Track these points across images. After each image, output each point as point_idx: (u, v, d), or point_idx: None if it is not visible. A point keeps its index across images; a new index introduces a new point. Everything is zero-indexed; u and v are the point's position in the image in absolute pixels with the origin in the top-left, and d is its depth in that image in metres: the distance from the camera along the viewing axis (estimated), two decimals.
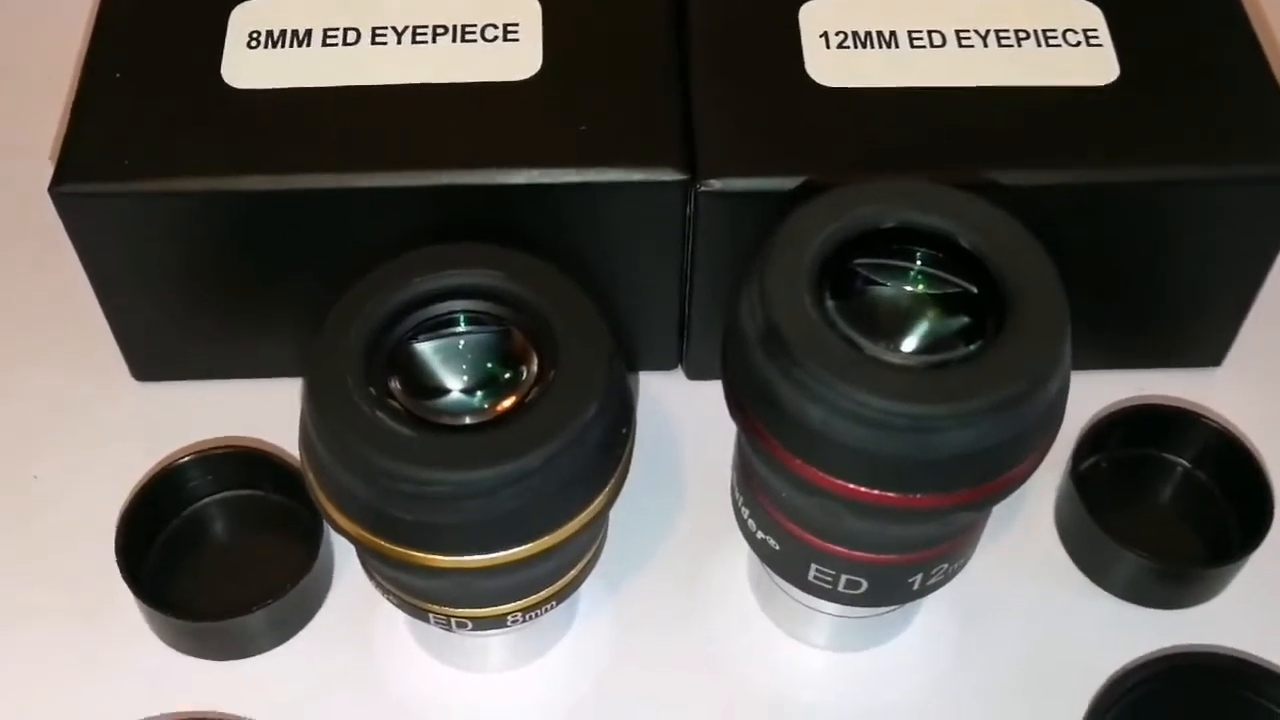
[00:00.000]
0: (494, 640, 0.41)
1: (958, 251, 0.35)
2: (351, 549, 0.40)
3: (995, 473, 0.34)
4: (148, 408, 0.48)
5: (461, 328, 0.36)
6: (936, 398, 0.32)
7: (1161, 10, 0.46)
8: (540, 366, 0.35)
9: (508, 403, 0.35)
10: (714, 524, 0.44)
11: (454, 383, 0.36)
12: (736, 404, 0.35)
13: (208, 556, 0.44)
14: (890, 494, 0.33)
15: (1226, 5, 0.47)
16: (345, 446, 0.33)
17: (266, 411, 0.46)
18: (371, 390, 0.34)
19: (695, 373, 0.48)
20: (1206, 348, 0.49)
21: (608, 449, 0.35)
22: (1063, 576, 0.45)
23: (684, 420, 0.48)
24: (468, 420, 0.35)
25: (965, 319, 0.35)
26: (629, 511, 0.43)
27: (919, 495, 0.33)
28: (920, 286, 0.36)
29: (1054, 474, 0.46)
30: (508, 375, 0.36)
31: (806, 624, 0.43)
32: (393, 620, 0.43)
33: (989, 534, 0.40)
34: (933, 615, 0.44)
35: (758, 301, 0.34)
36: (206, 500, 0.45)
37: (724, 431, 0.40)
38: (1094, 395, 0.47)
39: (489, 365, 0.36)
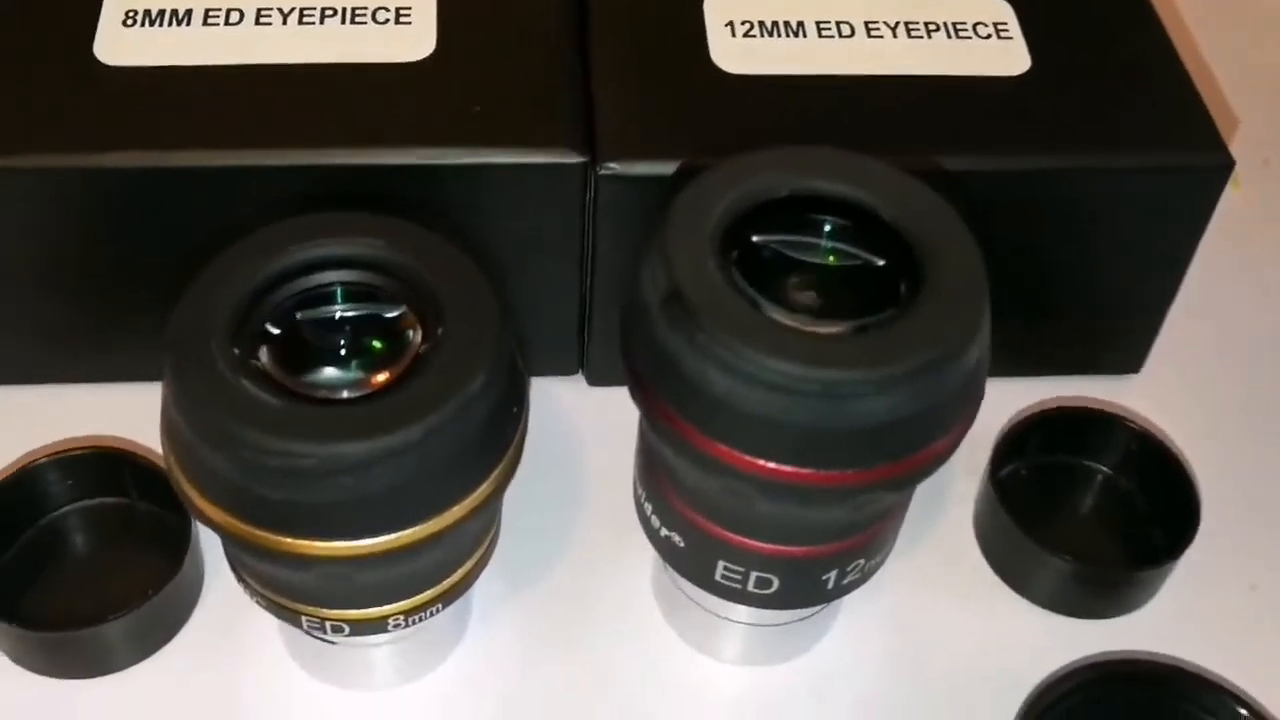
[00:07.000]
0: (376, 652, 0.38)
1: (869, 218, 0.33)
2: (222, 559, 0.37)
3: (913, 447, 0.31)
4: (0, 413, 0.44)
5: (339, 296, 0.33)
6: (849, 362, 0.30)
7: (1072, 5, 0.46)
8: (424, 339, 0.33)
9: (387, 376, 0.32)
10: (616, 534, 0.41)
11: (330, 356, 0.33)
12: (636, 380, 0.33)
13: (67, 568, 0.40)
14: (802, 470, 0.31)
15: (1136, 1, 0.46)
16: (206, 417, 0.30)
17: (134, 417, 0.43)
18: (237, 356, 0.31)
19: (597, 378, 0.46)
20: (1125, 353, 0.47)
21: (496, 428, 0.32)
22: (985, 586, 0.42)
23: (585, 428, 0.45)
24: (345, 395, 0.32)
25: (878, 284, 0.33)
26: (526, 520, 0.41)
27: (834, 471, 0.31)
28: (830, 259, 0.34)
29: (972, 482, 0.44)
30: (389, 348, 0.33)
31: (715, 635, 0.40)
32: (266, 635, 0.40)
33: (908, 542, 0.38)
34: (850, 628, 0.41)
35: (659, 265, 0.31)
36: (67, 508, 0.41)
37: (627, 439, 0.37)
38: (1011, 402, 0.46)
39: (368, 337, 0.33)
